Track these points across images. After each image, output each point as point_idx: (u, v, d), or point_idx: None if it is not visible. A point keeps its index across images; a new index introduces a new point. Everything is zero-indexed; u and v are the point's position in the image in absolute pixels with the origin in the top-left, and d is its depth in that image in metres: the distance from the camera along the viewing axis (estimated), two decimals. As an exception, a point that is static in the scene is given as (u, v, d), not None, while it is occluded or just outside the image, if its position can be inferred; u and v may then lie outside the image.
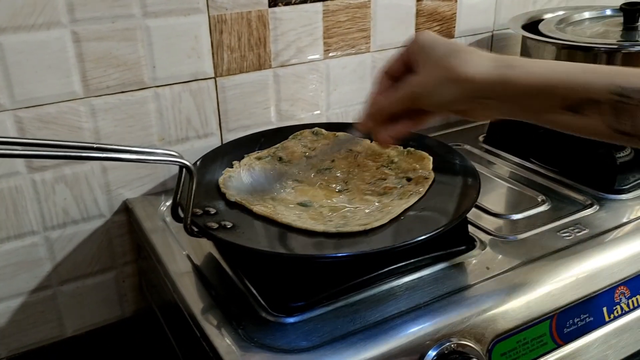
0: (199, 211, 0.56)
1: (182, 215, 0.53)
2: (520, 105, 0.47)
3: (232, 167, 0.65)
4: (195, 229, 0.52)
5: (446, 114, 0.54)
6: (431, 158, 0.65)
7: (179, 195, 0.53)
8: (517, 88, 0.46)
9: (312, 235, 0.53)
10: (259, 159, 0.67)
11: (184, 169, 0.50)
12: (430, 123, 0.54)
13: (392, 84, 0.53)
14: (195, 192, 0.50)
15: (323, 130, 0.72)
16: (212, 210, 0.57)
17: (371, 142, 0.70)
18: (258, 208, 0.57)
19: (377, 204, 0.58)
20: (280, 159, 0.67)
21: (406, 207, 0.56)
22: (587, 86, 0.44)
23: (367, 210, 0.57)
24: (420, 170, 0.63)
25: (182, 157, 0.49)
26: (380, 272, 0.54)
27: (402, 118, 0.53)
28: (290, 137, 0.71)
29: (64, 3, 0.60)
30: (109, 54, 0.64)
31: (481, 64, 0.47)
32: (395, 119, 0.53)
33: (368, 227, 0.53)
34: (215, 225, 0.53)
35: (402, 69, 0.52)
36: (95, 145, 0.46)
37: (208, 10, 0.68)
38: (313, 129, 0.72)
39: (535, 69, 0.46)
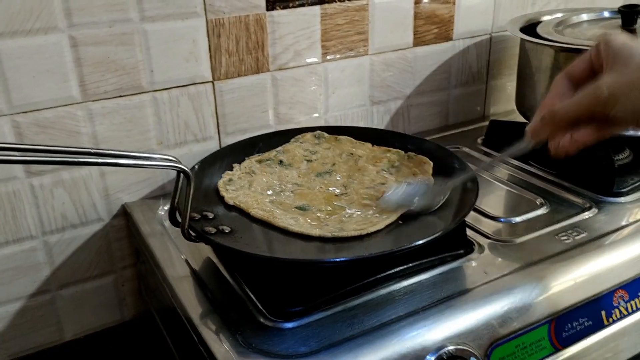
0: (197, 216, 0.56)
1: (179, 220, 0.53)
2: None
3: (232, 170, 0.65)
4: (193, 234, 0.52)
5: (631, 127, 0.46)
6: (432, 163, 0.65)
7: (176, 200, 0.53)
8: None
9: (310, 240, 0.53)
10: (259, 161, 0.67)
11: (181, 174, 0.50)
12: (614, 134, 0.46)
13: (572, 88, 0.47)
14: (193, 197, 0.50)
15: (325, 134, 0.72)
16: (210, 215, 0.57)
17: (372, 146, 0.70)
18: (256, 212, 0.57)
19: (375, 208, 0.58)
20: (281, 162, 0.67)
21: (402, 212, 0.56)
22: None
23: (364, 215, 0.57)
24: (420, 175, 0.63)
25: (179, 162, 0.49)
26: (378, 276, 0.54)
27: (583, 126, 0.46)
28: (291, 140, 0.71)
29: (61, 8, 0.60)
30: (106, 59, 0.64)
31: None
32: (575, 126, 0.46)
33: (364, 232, 0.53)
34: (213, 230, 0.53)
35: (586, 73, 0.47)
36: (93, 151, 0.46)
37: (206, 14, 0.68)
38: (315, 132, 0.72)
39: None
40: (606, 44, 0.46)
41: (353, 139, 0.71)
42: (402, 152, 0.67)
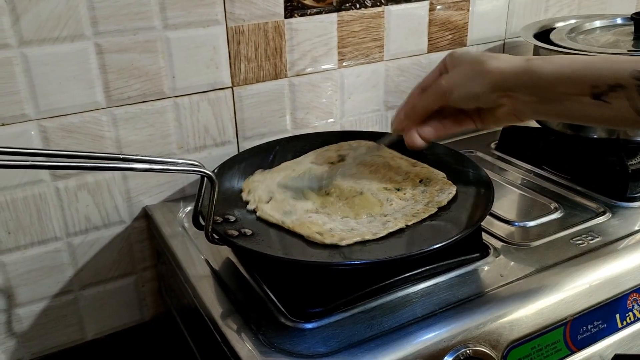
0: (219, 219, 0.57)
1: (203, 223, 0.54)
2: (547, 95, 0.50)
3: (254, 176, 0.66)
4: (216, 237, 0.54)
5: (474, 123, 0.57)
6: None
7: (200, 204, 0.54)
8: (544, 77, 0.49)
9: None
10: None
11: (205, 178, 0.52)
12: (459, 130, 0.58)
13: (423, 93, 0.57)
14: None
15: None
16: (232, 218, 0.58)
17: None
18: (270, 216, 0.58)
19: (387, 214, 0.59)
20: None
21: (415, 221, 0.57)
22: (611, 72, 0.46)
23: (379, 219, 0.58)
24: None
25: (204, 167, 0.51)
26: (396, 279, 0.55)
27: (433, 121, 0.57)
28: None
29: (87, 16, 0.62)
30: (130, 65, 0.66)
31: (507, 59, 0.52)
32: (427, 120, 0.57)
33: (378, 235, 0.55)
34: (235, 233, 0.55)
35: (435, 79, 0.57)
36: (121, 156, 0.48)
37: (226, 21, 0.70)
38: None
39: (559, 60, 0.50)
40: (450, 55, 0.56)
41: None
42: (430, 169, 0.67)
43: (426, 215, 0.58)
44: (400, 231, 0.56)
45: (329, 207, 0.60)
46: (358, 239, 0.54)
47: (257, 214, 0.59)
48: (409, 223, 0.57)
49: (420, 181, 0.65)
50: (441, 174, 0.65)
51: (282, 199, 0.61)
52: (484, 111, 0.56)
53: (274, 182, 0.64)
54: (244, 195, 0.62)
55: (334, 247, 0.53)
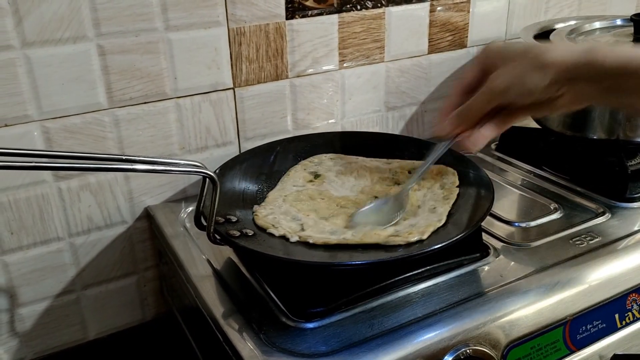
0: (221, 219, 0.57)
1: (205, 223, 0.54)
2: (610, 87, 0.48)
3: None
4: (218, 237, 0.54)
5: (528, 113, 0.55)
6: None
7: (202, 205, 0.55)
8: (607, 68, 0.47)
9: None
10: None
11: (207, 179, 0.52)
12: (514, 123, 0.55)
13: (466, 94, 0.54)
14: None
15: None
16: (233, 218, 0.58)
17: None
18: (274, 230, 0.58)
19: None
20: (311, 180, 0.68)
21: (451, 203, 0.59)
22: None
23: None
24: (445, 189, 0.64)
25: (206, 168, 0.51)
26: (396, 279, 0.55)
27: (487, 122, 0.54)
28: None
29: (90, 18, 0.63)
30: (132, 67, 0.66)
31: (565, 49, 0.49)
32: (480, 123, 0.54)
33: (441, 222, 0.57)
34: (237, 234, 0.55)
35: (478, 77, 0.54)
36: (124, 157, 0.48)
37: (228, 23, 0.70)
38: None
39: (622, 52, 0.48)
40: (489, 50, 0.54)
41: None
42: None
43: (455, 196, 0.60)
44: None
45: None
46: (432, 228, 0.55)
47: (311, 241, 0.55)
48: (449, 207, 0.59)
49: (409, 172, 0.66)
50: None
51: (313, 223, 0.59)
52: (541, 101, 0.52)
53: (284, 211, 0.62)
54: (275, 232, 0.57)
55: (418, 242, 0.53)
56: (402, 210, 0.59)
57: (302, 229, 0.58)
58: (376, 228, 0.56)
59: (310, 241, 0.55)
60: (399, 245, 0.53)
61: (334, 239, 0.55)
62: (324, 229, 0.57)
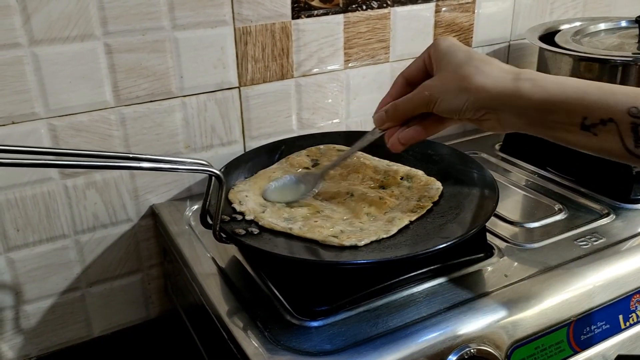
0: (226, 218, 0.58)
1: (210, 222, 0.55)
2: (534, 120, 0.47)
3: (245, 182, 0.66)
4: (224, 236, 0.54)
5: (458, 122, 0.53)
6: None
7: (207, 203, 0.55)
8: (532, 103, 0.46)
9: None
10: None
11: (213, 177, 0.52)
12: (442, 132, 0.55)
13: (408, 87, 0.54)
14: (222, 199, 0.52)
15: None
16: (239, 217, 0.59)
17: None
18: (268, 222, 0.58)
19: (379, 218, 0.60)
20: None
21: (416, 216, 0.58)
22: (605, 106, 0.43)
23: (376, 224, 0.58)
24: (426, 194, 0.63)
25: (211, 166, 0.51)
26: (401, 278, 0.55)
27: (415, 123, 0.53)
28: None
29: (97, 16, 0.63)
30: (139, 65, 0.67)
31: (496, 75, 0.47)
32: (407, 123, 0.54)
33: (390, 233, 0.55)
34: (242, 232, 0.55)
35: (421, 75, 0.53)
36: (130, 155, 0.48)
37: (234, 22, 0.71)
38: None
39: (550, 85, 0.46)
40: (434, 47, 0.52)
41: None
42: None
43: (424, 211, 0.59)
44: (405, 229, 0.57)
45: (324, 210, 0.61)
46: (374, 237, 0.55)
47: (260, 223, 0.57)
48: (412, 219, 0.58)
49: (401, 178, 0.66)
50: (420, 171, 0.66)
51: (277, 208, 0.61)
52: (469, 118, 0.52)
53: (259, 192, 0.64)
54: (236, 207, 0.60)
55: (352, 247, 0.54)
56: (312, 191, 0.62)
57: (263, 212, 0.59)
58: (319, 223, 0.57)
59: (260, 223, 0.57)
60: (334, 247, 0.54)
61: (280, 226, 0.56)
62: (282, 215, 0.59)
